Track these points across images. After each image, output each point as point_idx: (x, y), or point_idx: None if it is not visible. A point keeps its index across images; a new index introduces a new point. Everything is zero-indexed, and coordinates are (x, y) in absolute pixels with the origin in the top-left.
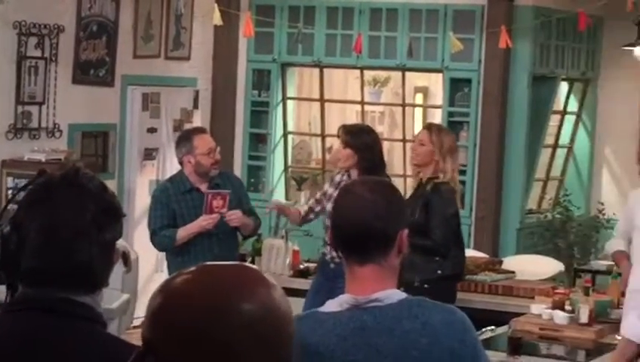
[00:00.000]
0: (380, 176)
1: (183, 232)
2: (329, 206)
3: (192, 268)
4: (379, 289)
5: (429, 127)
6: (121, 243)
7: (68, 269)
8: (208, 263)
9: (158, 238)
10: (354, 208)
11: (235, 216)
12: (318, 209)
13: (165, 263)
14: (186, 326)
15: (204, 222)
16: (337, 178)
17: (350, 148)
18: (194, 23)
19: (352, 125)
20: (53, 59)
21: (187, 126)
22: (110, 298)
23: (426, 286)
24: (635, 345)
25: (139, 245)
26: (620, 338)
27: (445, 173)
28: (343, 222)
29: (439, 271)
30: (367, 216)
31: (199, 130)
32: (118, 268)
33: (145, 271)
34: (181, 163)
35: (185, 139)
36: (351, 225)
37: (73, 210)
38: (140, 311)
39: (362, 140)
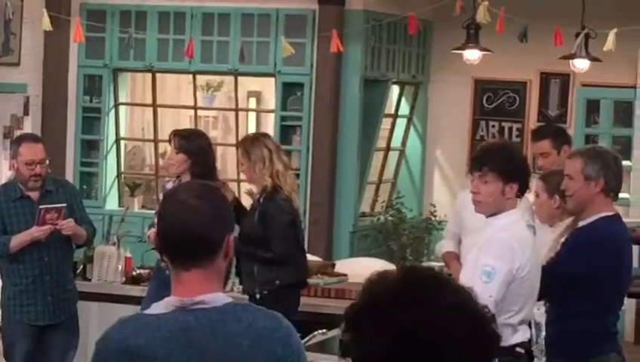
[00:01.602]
0: (212, 181)
1: (15, 241)
2: None
3: None
4: (204, 292)
5: (237, 146)
6: None
7: None
8: None
9: None
10: (179, 214)
11: (67, 225)
12: None
13: None
14: None
15: (36, 233)
16: (169, 185)
17: (183, 153)
18: (23, 28)
19: (184, 130)
20: None
21: (17, 133)
22: None
23: (265, 292)
24: None
25: None
26: None
27: (263, 182)
28: (168, 229)
29: (277, 282)
30: (193, 223)
31: (30, 139)
32: None
33: None
34: (12, 167)
35: (15, 142)
36: (176, 232)
37: None
38: None
39: (196, 144)
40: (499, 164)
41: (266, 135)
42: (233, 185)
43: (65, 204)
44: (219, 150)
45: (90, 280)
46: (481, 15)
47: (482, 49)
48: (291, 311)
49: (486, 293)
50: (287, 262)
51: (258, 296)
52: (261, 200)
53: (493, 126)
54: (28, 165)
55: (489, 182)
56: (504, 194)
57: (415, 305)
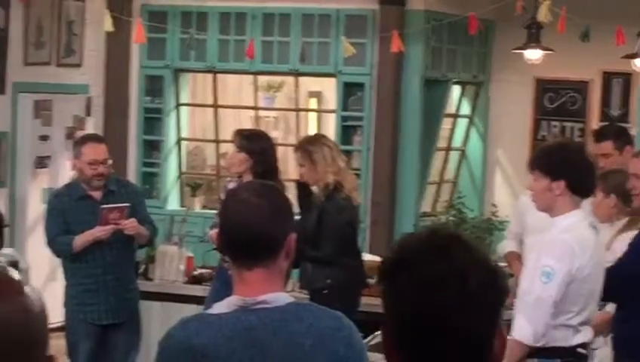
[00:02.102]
0: (274, 181)
1: (78, 241)
2: None
3: None
4: (266, 291)
5: (295, 147)
6: (10, 252)
7: None
8: None
9: (55, 245)
10: (241, 212)
11: (129, 225)
12: None
13: (59, 271)
14: None
15: (98, 232)
16: (231, 185)
17: (245, 153)
18: (85, 29)
19: (247, 130)
20: None
21: (79, 133)
22: None
23: (325, 291)
24: (524, 346)
25: (31, 254)
26: (510, 339)
27: (326, 180)
28: (230, 227)
29: (328, 280)
30: (255, 221)
31: (93, 139)
32: None
33: (38, 280)
34: (74, 167)
35: (78, 143)
36: (238, 230)
37: None
38: None
39: (257, 144)
40: (543, 162)
41: (323, 135)
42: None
43: (128, 204)
44: (279, 150)
45: (152, 279)
46: (543, 14)
47: (544, 48)
48: (350, 310)
49: (545, 293)
50: (336, 262)
51: (310, 292)
52: (322, 199)
53: (554, 126)
54: (91, 165)
55: (537, 179)
56: (551, 191)
57: (437, 259)
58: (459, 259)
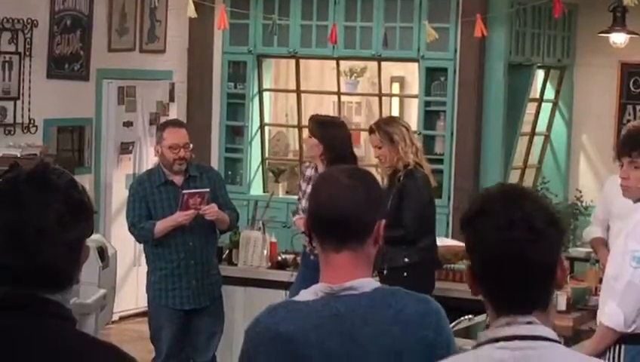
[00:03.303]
0: None
1: (160, 226)
2: (304, 202)
3: None
4: (354, 277)
5: (371, 129)
6: (98, 238)
7: (32, 268)
8: None
9: (137, 230)
10: (333, 194)
11: (210, 211)
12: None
13: (143, 257)
14: None
15: (179, 218)
16: (308, 172)
17: (315, 138)
18: (168, 15)
19: (323, 116)
20: (28, 53)
21: (163, 119)
22: (86, 293)
23: (405, 274)
24: (615, 333)
25: (116, 239)
26: (600, 325)
27: (406, 160)
28: (321, 208)
29: (406, 259)
30: (347, 202)
31: (174, 124)
32: (95, 264)
33: (123, 265)
34: (157, 152)
35: (159, 128)
36: (330, 211)
37: (38, 209)
38: (119, 306)
39: (329, 131)
40: None
41: (397, 117)
42: (375, 171)
43: (208, 190)
44: (362, 136)
45: (236, 264)
46: None
47: (629, 32)
48: (426, 290)
49: (636, 278)
50: (415, 241)
51: (386, 272)
52: (401, 178)
53: None
54: (172, 149)
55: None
56: None
57: (509, 207)
58: (525, 206)
